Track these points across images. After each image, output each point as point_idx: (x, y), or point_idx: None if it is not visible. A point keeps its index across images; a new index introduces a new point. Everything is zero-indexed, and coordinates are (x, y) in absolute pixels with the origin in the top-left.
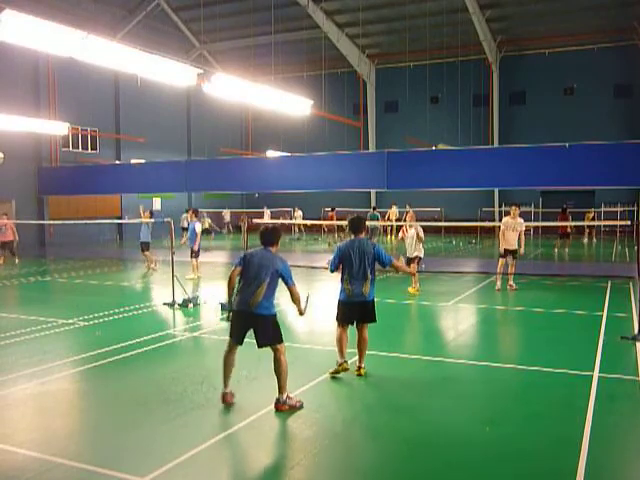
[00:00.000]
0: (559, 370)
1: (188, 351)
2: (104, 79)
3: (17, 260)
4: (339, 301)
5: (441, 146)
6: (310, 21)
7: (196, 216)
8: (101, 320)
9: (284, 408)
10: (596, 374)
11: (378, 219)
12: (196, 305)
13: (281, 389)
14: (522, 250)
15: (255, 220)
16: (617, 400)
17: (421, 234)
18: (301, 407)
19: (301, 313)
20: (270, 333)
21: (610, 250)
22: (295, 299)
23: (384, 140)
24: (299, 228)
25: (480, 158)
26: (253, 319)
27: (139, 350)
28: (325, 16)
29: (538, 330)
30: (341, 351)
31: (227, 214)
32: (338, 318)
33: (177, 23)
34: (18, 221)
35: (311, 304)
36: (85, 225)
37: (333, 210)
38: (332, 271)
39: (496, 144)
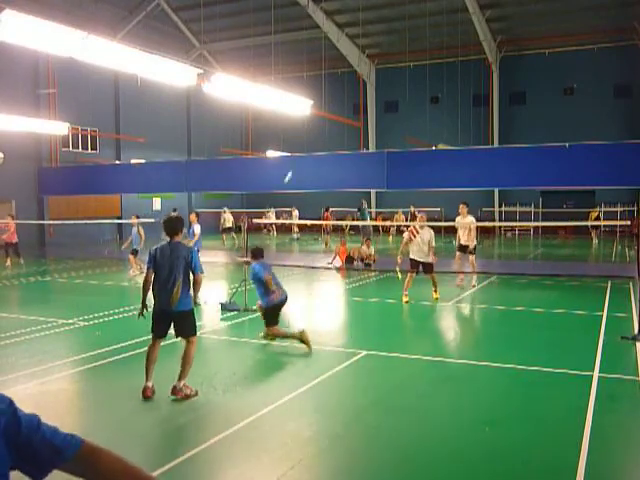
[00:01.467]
0: (559, 370)
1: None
2: (104, 79)
3: (22, 261)
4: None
5: (441, 146)
6: (310, 21)
7: (197, 219)
8: (101, 320)
9: (180, 395)
10: (596, 374)
11: (366, 218)
12: (196, 305)
13: (182, 376)
14: (472, 245)
15: (255, 220)
16: (617, 400)
17: (433, 242)
18: (196, 394)
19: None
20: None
21: (610, 250)
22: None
23: (384, 140)
24: (298, 228)
25: (480, 158)
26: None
27: (139, 350)
28: (325, 16)
29: (538, 330)
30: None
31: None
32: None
33: (177, 23)
34: (18, 221)
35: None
36: (85, 225)
37: (327, 210)
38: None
39: (496, 144)
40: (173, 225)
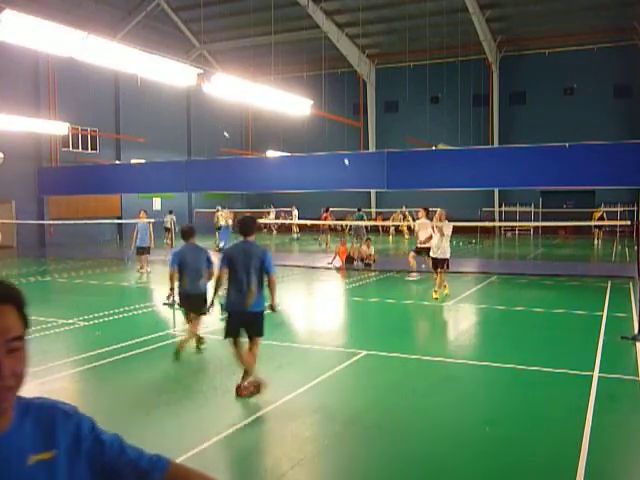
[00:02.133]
0: (559, 370)
1: (188, 351)
2: (104, 79)
3: None
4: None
5: (441, 146)
6: (310, 21)
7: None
8: (101, 320)
9: (243, 393)
10: (596, 374)
11: (363, 219)
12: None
13: (245, 377)
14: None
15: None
16: (617, 400)
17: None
18: (259, 391)
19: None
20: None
21: (610, 250)
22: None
23: (384, 140)
24: (298, 228)
25: (480, 158)
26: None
27: (139, 350)
28: (325, 16)
29: (538, 330)
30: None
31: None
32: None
33: (177, 23)
34: (18, 221)
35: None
36: (85, 225)
37: (327, 211)
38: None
39: (496, 144)
40: (248, 225)
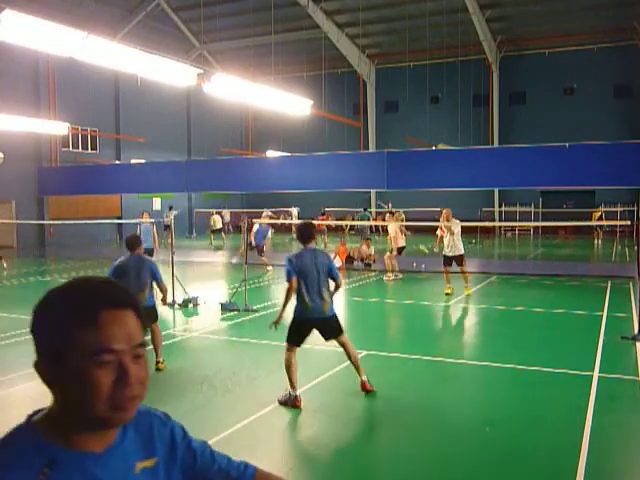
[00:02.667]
0: (559, 370)
1: (188, 351)
2: (104, 79)
3: (4, 264)
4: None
5: (441, 146)
6: (310, 21)
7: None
8: None
9: (369, 387)
10: (596, 374)
11: (369, 219)
12: (196, 305)
13: (360, 371)
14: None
15: (255, 220)
16: (617, 400)
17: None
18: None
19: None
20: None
21: (610, 250)
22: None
23: (384, 140)
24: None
25: (480, 158)
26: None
27: None
28: (325, 16)
29: (538, 330)
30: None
31: (227, 214)
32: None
33: (177, 23)
34: (18, 221)
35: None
36: (85, 225)
37: (324, 214)
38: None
39: (496, 144)
40: (307, 231)
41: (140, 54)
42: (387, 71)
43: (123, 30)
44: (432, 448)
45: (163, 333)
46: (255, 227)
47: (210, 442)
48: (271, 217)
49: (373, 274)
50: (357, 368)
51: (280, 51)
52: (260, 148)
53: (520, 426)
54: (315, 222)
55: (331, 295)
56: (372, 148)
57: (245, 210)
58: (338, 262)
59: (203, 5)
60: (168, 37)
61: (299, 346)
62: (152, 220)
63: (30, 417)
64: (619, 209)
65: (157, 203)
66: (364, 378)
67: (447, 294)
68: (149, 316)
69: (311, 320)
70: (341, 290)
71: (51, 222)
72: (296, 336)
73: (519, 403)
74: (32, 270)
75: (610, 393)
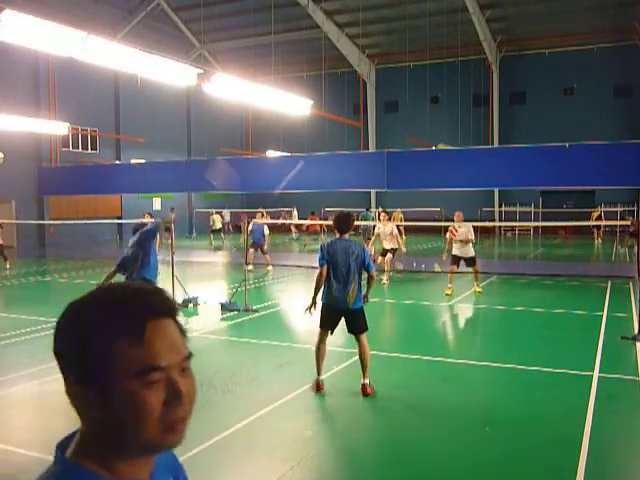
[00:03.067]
0: (559, 370)
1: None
2: (104, 79)
3: (8, 265)
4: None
5: (441, 146)
6: (310, 21)
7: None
8: None
9: (369, 391)
10: (596, 374)
11: (373, 219)
12: (196, 305)
13: (365, 373)
14: (403, 249)
15: (255, 220)
16: (617, 400)
17: (470, 235)
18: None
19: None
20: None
21: (610, 250)
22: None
23: (384, 140)
24: (297, 228)
25: (480, 158)
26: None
27: None
28: (325, 16)
29: (538, 330)
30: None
31: (227, 214)
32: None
33: (177, 23)
34: (18, 221)
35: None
36: (85, 225)
37: (313, 214)
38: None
39: (496, 144)
40: (344, 222)
41: (140, 54)
42: (387, 71)
43: (123, 30)
44: (432, 448)
45: None
46: (250, 226)
47: (210, 442)
48: (263, 215)
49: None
50: (363, 369)
51: (280, 51)
52: (260, 148)
53: (520, 426)
54: (318, 222)
55: (360, 287)
56: (372, 148)
57: (245, 210)
58: None
59: (203, 5)
60: (168, 37)
61: (329, 332)
62: (153, 220)
63: (63, 453)
64: (619, 209)
65: (157, 203)
66: (366, 381)
67: (447, 295)
68: None
69: (334, 309)
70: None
71: (51, 222)
72: (325, 321)
73: (519, 403)
74: (32, 270)
75: (610, 393)
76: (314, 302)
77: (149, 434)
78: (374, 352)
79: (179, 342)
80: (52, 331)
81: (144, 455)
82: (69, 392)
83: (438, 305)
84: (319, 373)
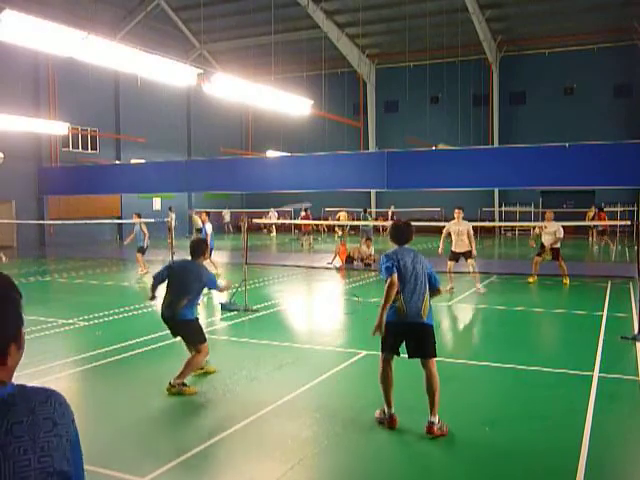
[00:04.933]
0: (559, 370)
1: (188, 351)
2: (104, 79)
3: (4, 258)
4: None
5: (441, 146)
6: (310, 21)
7: (208, 218)
8: (101, 320)
9: (438, 432)
10: (596, 374)
11: (368, 219)
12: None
13: (434, 409)
14: (474, 252)
15: (255, 220)
16: (617, 400)
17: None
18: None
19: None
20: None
21: (609, 250)
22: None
23: (384, 140)
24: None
25: (480, 158)
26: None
27: (139, 350)
28: (325, 16)
29: (538, 330)
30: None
31: (227, 214)
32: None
33: (177, 23)
34: (18, 221)
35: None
36: (85, 225)
37: (306, 211)
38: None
39: (496, 144)
40: (406, 231)
41: (140, 54)
42: (387, 71)
43: (123, 30)
44: (432, 448)
45: (162, 333)
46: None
47: (210, 441)
48: (208, 215)
49: (373, 274)
50: (432, 404)
51: (280, 51)
52: (260, 148)
53: (520, 426)
54: (318, 222)
55: (428, 301)
56: (372, 148)
57: (245, 210)
58: (338, 262)
59: (203, 5)
60: (168, 37)
61: (395, 354)
62: (140, 220)
63: None
64: (619, 209)
65: (157, 203)
66: (434, 419)
67: (446, 293)
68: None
69: (404, 325)
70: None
71: (51, 222)
72: (389, 343)
73: (519, 403)
74: (32, 270)
75: (610, 393)
76: (382, 319)
77: None
78: (374, 352)
79: None
80: (52, 331)
81: None
82: None
83: (438, 305)
84: (390, 405)
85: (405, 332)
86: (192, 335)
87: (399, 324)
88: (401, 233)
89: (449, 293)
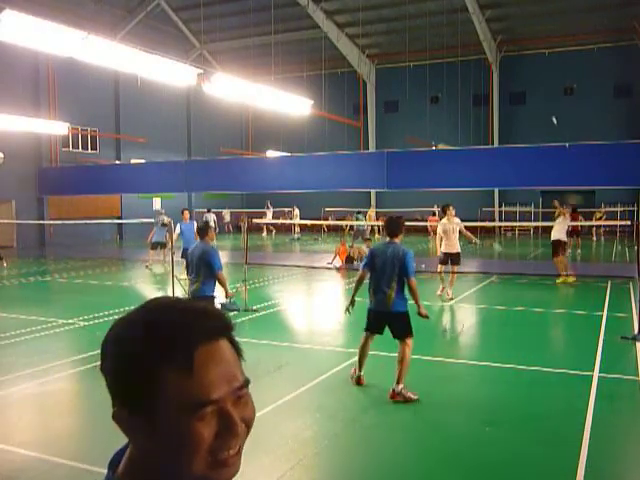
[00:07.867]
0: (559, 370)
1: None
2: (104, 79)
3: (4, 264)
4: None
5: (441, 146)
6: (310, 21)
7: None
8: (101, 320)
9: (398, 398)
10: (596, 374)
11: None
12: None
13: (399, 380)
14: (475, 240)
15: (255, 220)
16: (617, 400)
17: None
18: (417, 399)
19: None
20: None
21: (610, 250)
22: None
23: (384, 140)
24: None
25: (480, 158)
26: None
27: None
28: (325, 16)
29: (538, 330)
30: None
31: (227, 214)
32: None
33: (177, 23)
34: (18, 221)
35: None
36: (85, 225)
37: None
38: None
39: (496, 144)
40: (394, 225)
41: (140, 54)
42: (387, 71)
43: (123, 30)
44: (432, 448)
45: None
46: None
47: None
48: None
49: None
50: (399, 374)
51: (280, 51)
52: (260, 148)
53: (520, 426)
54: (318, 222)
55: (400, 292)
56: (372, 148)
57: (245, 210)
58: (338, 262)
59: (203, 5)
60: (168, 37)
61: (373, 333)
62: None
63: (114, 473)
64: (619, 209)
65: (157, 203)
66: (396, 387)
67: (439, 295)
68: None
69: (376, 313)
70: (414, 288)
71: (51, 222)
72: (368, 325)
73: (519, 403)
74: (32, 270)
75: (610, 393)
76: (352, 302)
77: (199, 468)
78: (373, 352)
79: (234, 368)
80: (52, 331)
81: None
82: (114, 415)
83: (438, 305)
84: (361, 369)
85: (379, 318)
86: None
87: (372, 311)
88: (387, 226)
89: (443, 296)
